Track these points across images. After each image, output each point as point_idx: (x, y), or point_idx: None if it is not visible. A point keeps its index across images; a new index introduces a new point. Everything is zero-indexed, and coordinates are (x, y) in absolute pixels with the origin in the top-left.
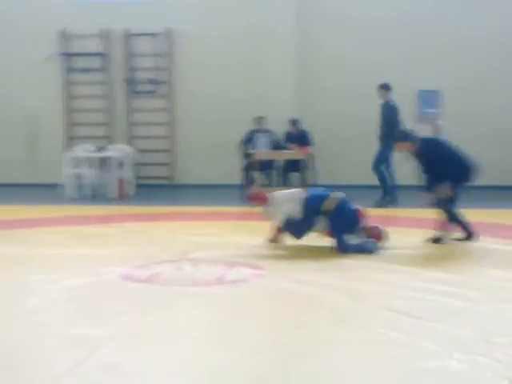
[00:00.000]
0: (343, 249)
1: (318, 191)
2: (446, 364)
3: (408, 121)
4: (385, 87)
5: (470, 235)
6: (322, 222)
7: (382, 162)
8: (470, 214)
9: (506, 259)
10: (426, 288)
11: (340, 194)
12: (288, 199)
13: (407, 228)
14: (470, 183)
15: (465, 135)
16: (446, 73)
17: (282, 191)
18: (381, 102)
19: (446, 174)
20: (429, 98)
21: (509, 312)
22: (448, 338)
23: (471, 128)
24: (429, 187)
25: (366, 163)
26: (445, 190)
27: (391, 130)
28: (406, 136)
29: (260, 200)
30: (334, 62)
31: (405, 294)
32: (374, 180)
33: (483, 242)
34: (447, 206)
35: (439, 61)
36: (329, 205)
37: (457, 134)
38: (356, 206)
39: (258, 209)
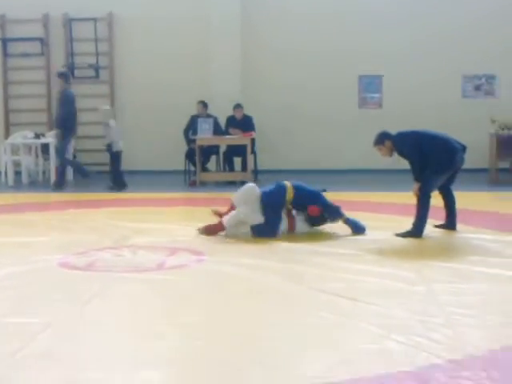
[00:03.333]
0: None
1: (269, 187)
2: (384, 345)
3: (350, 105)
4: (62, 76)
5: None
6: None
7: (64, 152)
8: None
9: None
10: (366, 270)
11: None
12: (244, 200)
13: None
14: (458, 167)
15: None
16: (388, 59)
17: (238, 192)
18: (60, 90)
19: (430, 164)
20: (371, 83)
21: (444, 293)
22: (386, 319)
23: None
24: (416, 178)
25: (302, 150)
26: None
27: (67, 118)
28: (384, 136)
29: (218, 229)
30: (277, 51)
31: (344, 276)
32: (311, 164)
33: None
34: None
35: (380, 47)
36: (289, 194)
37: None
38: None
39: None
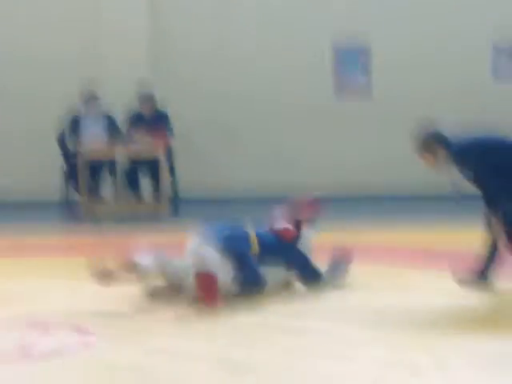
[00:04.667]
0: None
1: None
2: None
3: (321, 93)
4: None
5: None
6: None
7: None
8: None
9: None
10: (355, 356)
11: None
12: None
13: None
14: None
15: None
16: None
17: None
18: None
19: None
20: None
21: None
22: None
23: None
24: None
25: (250, 165)
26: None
27: None
28: (436, 141)
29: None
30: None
31: (318, 368)
32: (263, 187)
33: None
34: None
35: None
36: (254, 245)
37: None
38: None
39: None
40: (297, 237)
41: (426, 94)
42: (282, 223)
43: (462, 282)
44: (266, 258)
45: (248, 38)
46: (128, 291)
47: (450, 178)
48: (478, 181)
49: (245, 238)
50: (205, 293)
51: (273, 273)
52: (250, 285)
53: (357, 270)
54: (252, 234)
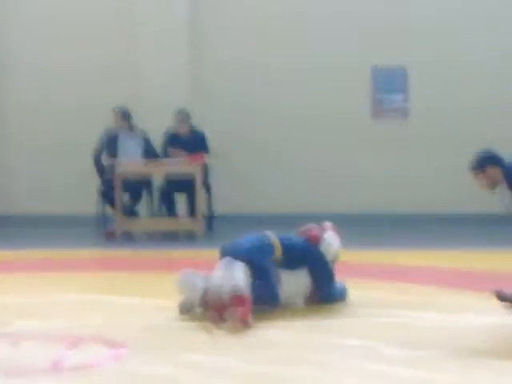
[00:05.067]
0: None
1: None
2: None
3: (358, 114)
4: None
5: None
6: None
7: None
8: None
9: None
10: (384, 373)
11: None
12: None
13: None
14: None
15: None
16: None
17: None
18: None
19: None
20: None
21: None
22: None
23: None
24: None
25: (286, 184)
26: None
27: None
28: (488, 160)
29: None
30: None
31: None
32: (299, 206)
33: None
34: None
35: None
36: (277, 251)
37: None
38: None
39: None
40: (320, 239)
41: (466, 116)
42: (308, 226)
43: (502, 298)
44: (290, 261)
45: (285, 55)
46: (162, 305)
47: (503, 198)
48: None
49: (265, 247)
50: (239, 312)
51: (296, 278)
52: (263, 297)
53: (392, 288)
54: (274, 239)
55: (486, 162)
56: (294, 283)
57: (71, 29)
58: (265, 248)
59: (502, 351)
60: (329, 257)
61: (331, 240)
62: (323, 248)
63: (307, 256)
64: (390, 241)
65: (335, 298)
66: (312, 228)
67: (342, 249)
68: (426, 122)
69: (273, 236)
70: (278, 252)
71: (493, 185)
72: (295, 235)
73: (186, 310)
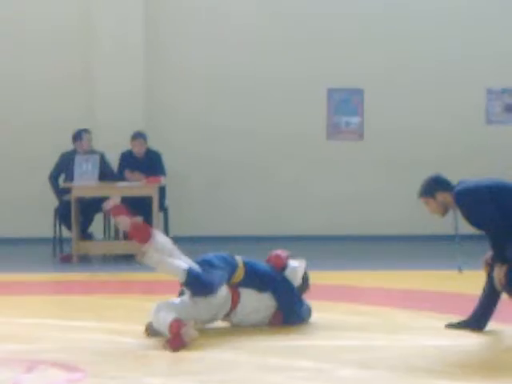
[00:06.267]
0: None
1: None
2: None
3: (313, 135)
4: None
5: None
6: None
7: None
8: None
9: None
10: None
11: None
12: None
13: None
14: None
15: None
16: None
17: None
18: None
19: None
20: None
21: None
22: None
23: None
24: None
25: (240, 206)
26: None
27: None
28: (437, 185)
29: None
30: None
31: None
32: (252, 229)
33: None
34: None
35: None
36: (238, 275)
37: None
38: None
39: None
40: (285, 266)
41: (419, 138)
42: (275, 252)
43: (451, 326)
44: (255, 284)
45: (245, 74)
46: (119, 329)
47: (453, 221)
48: (483, 223)
49: (227, 262)
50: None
51: (258, 297)
52: (201, 281)
53: (346, 309)
54: (239, 261)
55: (436, 188)
56: (256, 301)
57: (24, 46)
58: (227, 262)
59: (453, 371)
60: (295, 282)
61: (296, 265)
62: (288, 273)
63: (271, 282)
64: (340, 262)
65: (299, 321)
66: (278, 254)
67: (309, 272)
68: (381, 143)
69: (239, 258)
70: (241, 272)
71: (444, 210)
72: (264, 261)
73: (152, 331)
